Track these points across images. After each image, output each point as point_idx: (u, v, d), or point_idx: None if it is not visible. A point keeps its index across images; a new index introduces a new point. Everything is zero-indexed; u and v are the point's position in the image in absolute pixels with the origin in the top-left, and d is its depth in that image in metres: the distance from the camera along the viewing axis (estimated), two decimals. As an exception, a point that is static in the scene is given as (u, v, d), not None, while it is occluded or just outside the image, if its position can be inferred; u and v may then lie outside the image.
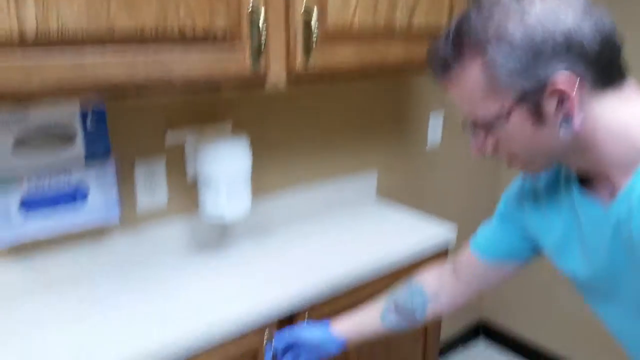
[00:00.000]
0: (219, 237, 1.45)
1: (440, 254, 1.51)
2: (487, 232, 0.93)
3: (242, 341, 1.12)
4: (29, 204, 1.07)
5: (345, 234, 1.51)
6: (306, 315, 1.22)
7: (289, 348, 1.06)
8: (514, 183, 0.89)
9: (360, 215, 1.65)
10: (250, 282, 1.25)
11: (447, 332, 2.32)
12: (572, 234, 0.75)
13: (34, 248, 1.16)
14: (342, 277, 1.27)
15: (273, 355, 1.06)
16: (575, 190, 0.73)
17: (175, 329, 1.05)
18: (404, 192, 1.92)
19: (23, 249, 1.15)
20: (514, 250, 0.89)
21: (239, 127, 1.43)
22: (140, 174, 1.26)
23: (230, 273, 1.29)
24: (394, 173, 1.86)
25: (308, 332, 1.03)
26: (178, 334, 1.03)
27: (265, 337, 1.15)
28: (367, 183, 1.77)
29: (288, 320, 1.21)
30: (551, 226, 0.78)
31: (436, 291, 0.99)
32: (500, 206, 0.91)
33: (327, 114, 1.61)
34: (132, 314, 1.12)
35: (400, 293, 1.01)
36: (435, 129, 1.93)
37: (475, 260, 0.93)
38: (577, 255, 0.75)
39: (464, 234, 2.14)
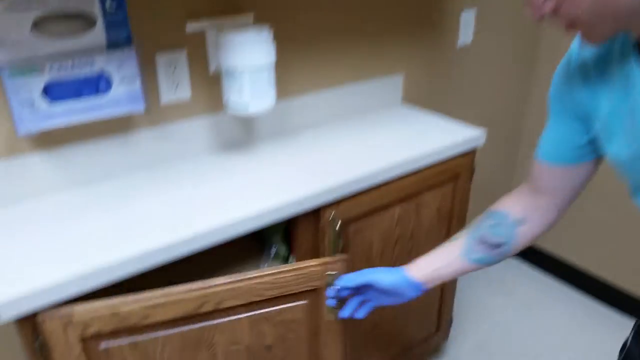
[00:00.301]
0: (243, 135, 1.44)
1: (469, 155, 1.48)
2: (548, 136, 0.85)
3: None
4: (52, 92, 1.06)
5: (371, 136, 1.49)
6: (332, 213, 1.22)
7: (356, 291, 1.01)
8: (558, 69, 0.82)
9: (386, 119, 1.62)
10: (274, 180, 1.25)
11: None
12: (623, 110, 0.70)
13: (60, 140, 1.17)
14: (367, 176, 1.26)
15: (337, 297, 1.02)
16: (634, 61, 0.68)
17: (199, 224, 1.06)
18: (432, 96, 1.86)
19: (49, 141, 1.15)
20: (580, 144, 0.81)
21: (261, 21, 1.38)
22: (162, 66, 1.23)
23: (254, 171, 1.29)
24: (421, 76, 1.80)
25: (381, 275, 0.97)
26: (201, 229, 1.04)
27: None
28: (393, 87, 1.72)
29: (314, 214, 1.21)
30: (600, 103, 0.74)
31: (523, 215, 0.91)
32: (550, 101, 0.84)
33: (354, 12, 1.54)
34: (157, 208, 1.14)
35: (483, 225, 0.93)
36: (466, 28, 1.83)
37: (548, 169, 0.86)
38: (625, 133, 0.71)
39: (494, 139, 2.10)
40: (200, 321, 0.97)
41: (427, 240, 1.51)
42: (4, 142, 1.11)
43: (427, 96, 1.84)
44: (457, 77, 1.91)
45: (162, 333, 0.96)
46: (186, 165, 1.32)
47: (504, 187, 2.33)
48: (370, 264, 1.38)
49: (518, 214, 0.91)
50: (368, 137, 1.48)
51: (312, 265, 0.99)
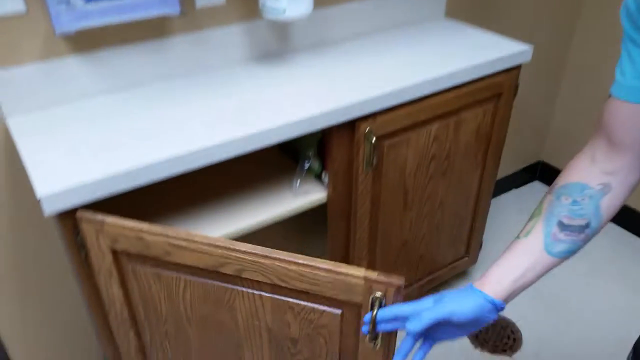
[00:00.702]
0: (279, 45, 1.40)
1: (513, 72, 1.41)
2: (625, 67, 0.68)
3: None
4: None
5: (411, 49, 1.42)
6: (368, 127, 1.19)
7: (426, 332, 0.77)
8: None
9: (428, 32, 1.54)
10: (309, 91, 1.21)
11: (503, 172, 2.29)
12: None
13: (97, 44, 1.15)
14: (405, 89, 1.21)
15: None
16: None
17: (231, 131, 1.05)
18: (476, 10, 1.76)
19: (86, 43, 1.14)
20: None
21: None
22: (197, -35, 1.19)
23: (289, 81, 1.26)
24: (466, -9, 1.69)
25: (456, 304, 0.74)
26: (233, 136, 1.02)
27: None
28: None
29: (349, 127, 1.19)
30: None
31: (603, 182, 0.73)
32: (625, 22, 0.68)
33: None
34: (190, 114, 1.13)
35: (559, 207, 0.74)
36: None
37: (628, 109, 0.69)
38: None
39: (538, 58, 2.00)
40: (221, 280, 0.89)
41: (462, 161, 1.47)
42: (42, 43, 1.09)
43: (470, 10, 1.74)
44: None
45: (183, 275, 0.90)
46: (220, 74, 1.29)
47: (544, 110, 2.24)
48: (402, 182, 1.37)
49: (597, 182, 0.73)
50: (408, 51, 1.41)
51: (353, 275, 0.79)
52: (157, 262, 0.91)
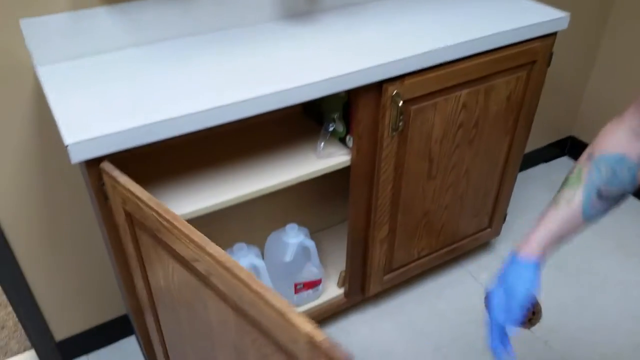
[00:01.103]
0: (309, 3, 1.37)
1: (549, 39, 1.36)
2: None
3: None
4: None
5: (443, 11, 1.38)
6: (395, 89, 1.17)
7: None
8: None
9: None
10: (336, 51, 1.19)
11: (532, 146, 2.24)
12: None
13: (124, -6, 1.15)
14: (435, 51, 1.18)
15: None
16: None
17: (254, 89, 1.04)
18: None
19: (113, -6, 1.13)
20: None
21: None
22: None
23: (315, 41, 1.24)
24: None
25: (524, 286, 0.79)
26: (256, 93, 1.01)
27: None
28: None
29: (375, 89, 1.17)
30: None
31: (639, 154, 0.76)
32: None
33: None
34: (216, 71, 1.12)
35: (598, 176, 0.78)
36: None
37: None
38: None
39: (577, 28, 1.92)
40: (195, 276, 0.82)
41: (491, 130, 1.44)
42: (69, -8, 1.09)
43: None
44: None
45: (171, 257, 0.86)
46: (247, 32, 1.28)
47: (578, 84, 2.17)
48: (428, 148, 1.35)
49: (635, 154, 0.76)
50: (440, 13, 1.37)
51: (298, 329, 0.64)
52: (153, 235, 0.88)
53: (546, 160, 2.36)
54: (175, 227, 0.79)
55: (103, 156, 0.92)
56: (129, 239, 0.98)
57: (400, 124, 1.24)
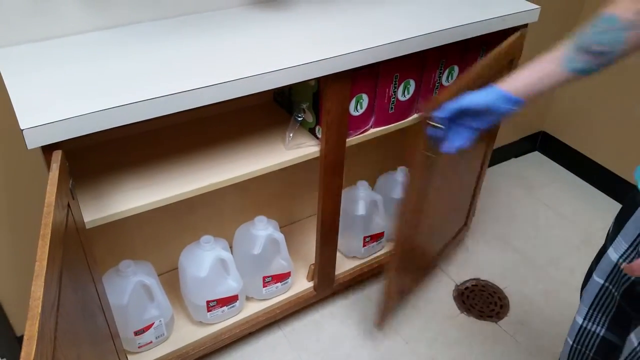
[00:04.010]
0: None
1: (520, 30, 1.37)
2: None
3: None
4: None
5: (417, 2, 1.38)
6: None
7: (453, 119, 0.94)
8: None
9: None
10: (307, 37, 1.17)
11: (503, 141, 2.26)
12: None
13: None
14: (406, 41, 1.17)
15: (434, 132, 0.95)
16: None
17: (223, 73, 1.02)
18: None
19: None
20: None
21: None
22: None
23: (288, 26, 1.22)
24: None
25: (474, 97, 0.90)
26: (225, 78, 1.00)
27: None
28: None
29: (346, 74, 1.15)
30: None
31: (634, 18, 0.79)
32: None
33: None
34: (184, 56, 1.10)
35: (587, 32, 0.83)
36: None
37: None
38: None
39: (547, 22, 1.94)
40: None
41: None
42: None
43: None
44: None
45: None
46: (215, 17, 1.25)
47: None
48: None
49: (628, 16, 0.79)
50: (414, 3, 1.36)
51: None
52: None
53: (517, 155, 2.39)
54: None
55: (60, 142, 0.89)
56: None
57: (370, 114, 1.23)
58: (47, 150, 0.89)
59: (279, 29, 1.21)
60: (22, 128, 0.84)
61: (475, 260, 1.86)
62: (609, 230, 0.90)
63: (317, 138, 1.28)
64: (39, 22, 1.09)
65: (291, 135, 1.27)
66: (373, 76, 1.22)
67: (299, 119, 1.29)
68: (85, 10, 1.13)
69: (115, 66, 1.03)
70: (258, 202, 1.64)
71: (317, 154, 1.27)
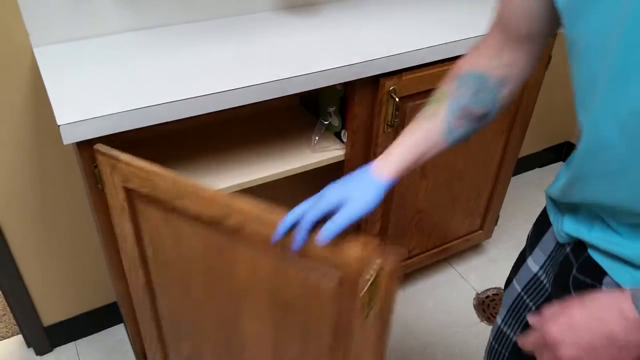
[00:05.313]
0: (308, -3, 1.37)
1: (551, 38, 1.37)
2: None
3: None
4: None
5: (443, 8, 1.38)
6: (392, 85, 1.17)
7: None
8: None
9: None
10: (335, 42, 1.19)
11: (527, 150, 2.24)
12: None
13: (124, -21, 1.14)
14: (433, 47, 1.18)
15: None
16: None
17: (252, 77, 1.04)
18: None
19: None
20: None
21: None
22: None
23: (315, 33, 1.24)
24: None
25: (364, 204, 0.73)
26: (253, 82, 1.02)
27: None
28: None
29: (372, 84, 1.17)
30: None
31: (503, 74, 0.74)
32: None
33: None
34: (217, 58, 1.12)
35: (460, 95, 0.75)
36: None
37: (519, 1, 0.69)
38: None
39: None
40: (223, 233, 0.85)
41: (485, 131, 1.44)
42: (68, -27, 1.09)
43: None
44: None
45: (188, 223, 0.88)
46: (246, 21, 1.28)
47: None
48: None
49: (498, 74, 0.74)
50: (441, 10, 1.37)
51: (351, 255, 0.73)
52: (165, 206, 0.90)
53: (541, 165, 2.37)
54: (201, 188, 0.83)
55: (95, 138, 0.92)
56: (127, 219, 0.97)
57: (396, 120, 1.24)
58: (82, 146, 0.92)
59: (307, 34, 1.22)
60: (59, 124, 0.87)
61: (498, 269, 1.84)
62: (529, 234, 0.87)
63: (343, 142, 1.29)
64: (77, 23, 1.13)
65: (317, 138, 1.28)
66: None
67: (325, 122, 1.30)
68: (122, 12, 1.16)
69: (149, 66, 1.06)
70: (283, 204, 1.65)
71: (342, 158, 1.28)
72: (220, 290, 0.96)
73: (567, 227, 0.73)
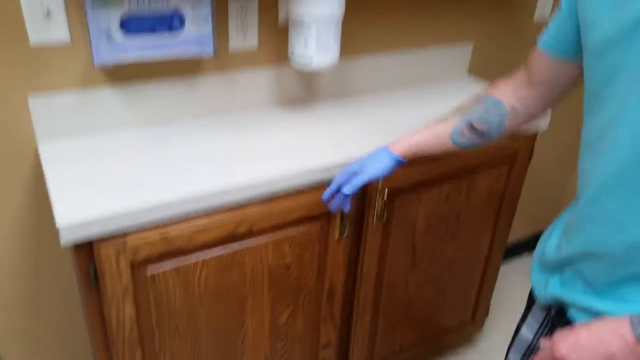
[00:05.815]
0: (304, 91, 1.44)
1: (529, 138, 1.43)
2: (552, 26, 0.84)
3: (316, 192, 1.14)
4: (128, 25, 1.09)
5: (432, 105, 1.46)
6: (381, 181, 1.21)
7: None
8: None
9: (449, 90, 1.59)
10: (327, 138, 1.25)
11: (515, 236, 2.27)
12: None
13: (132, 77, 1.20)
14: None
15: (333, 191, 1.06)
16: None
17: (252, 171, 1.09)
18: (500, 70, 1.78)
19: (121, 76, 1.19)
20: (576, 42, 0.79)
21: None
22: (233, 10, 1.24)
23: (309, 128, 1.30)
24: (492, 47, 1.73)
25: (374, 169, 1.01)
26: (254, 175, 1.06)
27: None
28: (460, 56, 1.67)
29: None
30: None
31: (514, 105, 0.92)
32: None
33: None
34: (217, 153, 1.17)
35: (475, 110, 0.95)
36: (545, 2, 1.74)
37: (544, 58, 0.85)
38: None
39: (557, 127, 2.00)
40: (235, 241, 1.07)
41: (472, 222, 1.47)
42: (81, 73, 1.15)
43: (494, 69, 1.77)
44: (530, 51, 1.82)
45: (202, 255, 1.04)
46: (247, 116, 1.34)
47: (561, 178, 2.25)
48: (411, 240, 1.37)
49: (510, 103, 0.92)
50: (428, 106, 1.45)
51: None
52: (178, 252, 1.02)
53: (530, 251, 2.38)
54: (215, 216, 1.03)
55: (93, 239, 0.93)
56: (130, 301, 1.00)
57: (385, 214, 1.27)
58: (79, 246, 0.93)
59: (303, 130, 1.28)
60: (58, 226, 0.89)
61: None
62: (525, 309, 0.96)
63: (334, 234, 1.32)
64: (83, 119, 1.18)
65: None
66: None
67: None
68: (125, 108, 1.22)
69: (149, 162, 1.09)
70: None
71: (333, 249, 1.30)
72: (227, 304, 1.13)
73: (551, 288, 0.82)
